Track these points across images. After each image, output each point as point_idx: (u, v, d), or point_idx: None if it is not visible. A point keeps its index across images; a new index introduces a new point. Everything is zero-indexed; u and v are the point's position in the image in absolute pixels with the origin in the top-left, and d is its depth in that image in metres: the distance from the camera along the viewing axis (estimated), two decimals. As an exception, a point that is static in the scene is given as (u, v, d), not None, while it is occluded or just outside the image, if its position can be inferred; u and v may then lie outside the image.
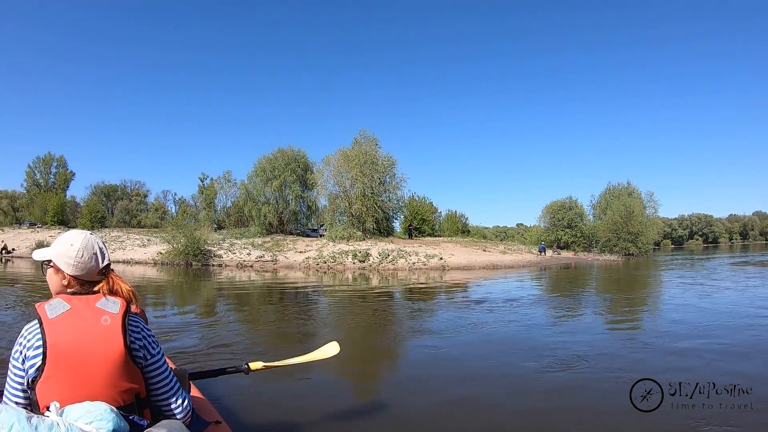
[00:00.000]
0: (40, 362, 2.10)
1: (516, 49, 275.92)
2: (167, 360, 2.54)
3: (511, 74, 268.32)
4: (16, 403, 2.17)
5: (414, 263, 34.52)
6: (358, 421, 4.70)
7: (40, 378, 2.11)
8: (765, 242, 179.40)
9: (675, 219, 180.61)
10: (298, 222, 54.36)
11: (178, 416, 2.42)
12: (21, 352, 2.16)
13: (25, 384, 2.16)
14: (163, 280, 24.91)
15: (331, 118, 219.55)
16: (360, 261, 34.97)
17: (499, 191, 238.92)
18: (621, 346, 8.21)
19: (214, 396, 4.73)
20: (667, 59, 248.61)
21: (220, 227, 60.81)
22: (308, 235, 50.61)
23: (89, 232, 2.48)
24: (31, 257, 2.63)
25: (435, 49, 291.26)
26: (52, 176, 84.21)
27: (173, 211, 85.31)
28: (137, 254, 41.28)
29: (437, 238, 54.87)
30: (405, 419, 4.77)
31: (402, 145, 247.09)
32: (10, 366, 2.21)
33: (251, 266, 34.42)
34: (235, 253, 38.12)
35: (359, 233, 44.11)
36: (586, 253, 58.92)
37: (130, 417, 2.20)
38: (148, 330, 2.43)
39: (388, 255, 35.99)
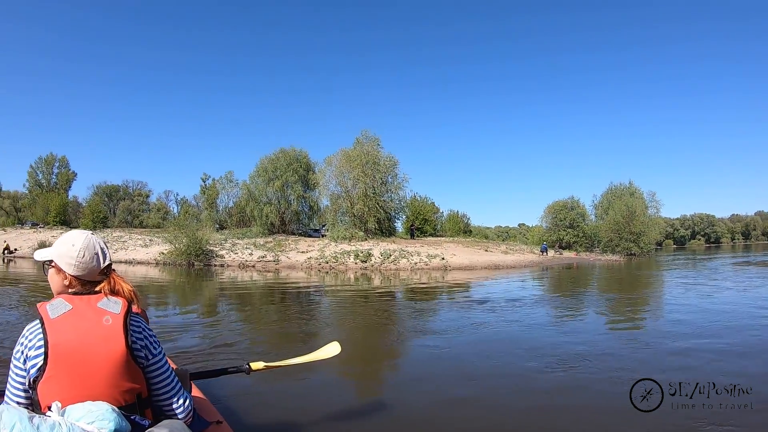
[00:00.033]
0: (41, 362, 2.10)
1: (516, 49, 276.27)
2: (168, 360, 2.54)
3: (511, 74, 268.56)
4: (18, 403, 2.17)
5: (416, 263, 34.51)
6: (359, 421, 4.70)
7: (41, 378, 2.11)
8: (767, 242, 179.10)
9: (677, 219, 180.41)
10: (300, 222, 54.37)
11: (179, 416, 2.42)
12: (22, 352, 2.16)
13: (27, 384, 2.16)
14: (165, 280, 24.93)
15: (333, 119, 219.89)
16: (362, 261, 34.96)
17: (501, 191, 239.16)
18: (622, 346, 8.21)
19: (215, 396, 4.72)
20: (667, 59, 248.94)
21: (222, 227, 60.80)
22: (310, 236, 50.59)
23: (90, 232, 2.48)
24: (33, 257, 2.64)
25: (435, 49, 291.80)
26: (55, 176, 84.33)
27: (175, 211, 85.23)
28: (139, 254, 41.31)
29: (439, 239, 54.79)
30: (406, 419, 4.77)
31: (403, 146, 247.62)
32: (11, 366, 2.21)
33: (253, 266, 34.43)
34: (237, 254, 38.11)
35: (361, 233, 44.12)
36: (588, 253, 58.88)
37: (132, 417, 2.20)
38: (150, 330, 2.43)
39: (390, 255, 35.99)
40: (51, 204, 71.91)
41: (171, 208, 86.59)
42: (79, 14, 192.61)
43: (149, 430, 2.18)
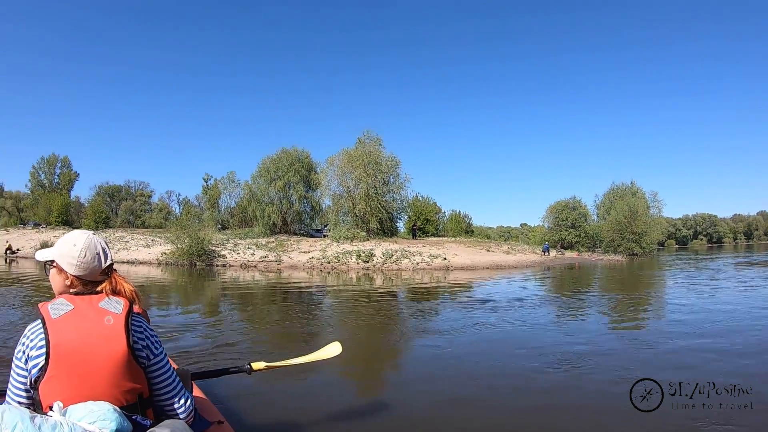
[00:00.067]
0: (43, 362, 2.10)
1: (516, 49, 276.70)
2: (169, 360, 2.55)
3: (512, 74, 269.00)
4: (19, 402, 2.17)
5: (418, 263, 34.51)
6: (360, 421, 4.70)
7: (43, 378, 2.11)
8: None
9: (679, 219, 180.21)
10: (302, 222, 54.41)
11: (180, 416, 2.42)
12: (24, 352, 2.16)
13: (28, 384, 2.17)
14: (168, 280, 24.94)
15: (333, 119, 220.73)
16: (364, 261, 34.97)
17: (503, 191, 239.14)
18: (622, 346, 8.21)
19: (216, 396, 4.73)
20: (668, 59, 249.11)
21: (224, 227, 60.92)
22: (312, 236, 50.60)
23: (92, 232, 2.49)
24: (35, 257, 2.65)
25: (435, 49, 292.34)
26: (57, 177, 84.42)
27: (177, 211, 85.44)
28: (141, 254, 41.33)
29: (441, 239, 54.79)
30: (407, 419, 4.78)
31: (405, 146, 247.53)
32: (13, 366, 2.21)
33: (255, 266, 34.44)
34: (239, 254, 38.10)
35: (363, 233, 44.12)
36: (590, 253, 58.96)
37: (133, 417, 2.20)
38: (151, 330, 2.43)
39: (392, 255, 36.00)
40: (53, 204, 72.03)
41: (173, 209, 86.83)
42: (79, 14, 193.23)
43: (151, 430, 2.18)
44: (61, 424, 1.98)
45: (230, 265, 35.04)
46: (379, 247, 38.44)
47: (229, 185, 64.82)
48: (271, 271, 30.77)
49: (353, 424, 4.62)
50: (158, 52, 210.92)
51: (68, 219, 71.85)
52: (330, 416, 4.76)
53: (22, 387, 2.18)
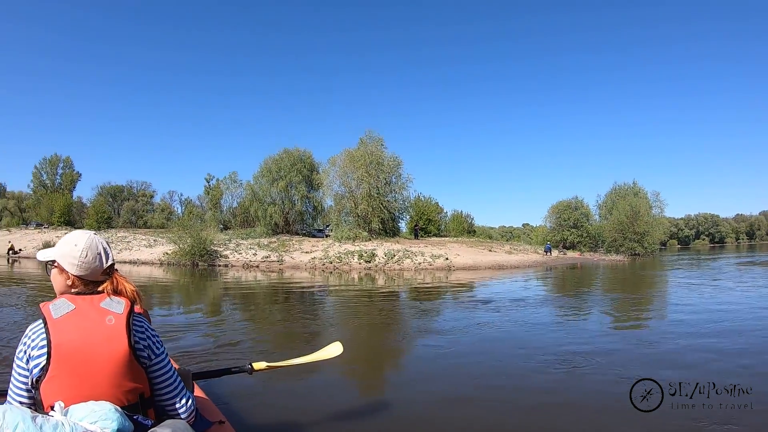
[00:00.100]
0: (44, 362, 2.10)
1: (517, 49, 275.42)
2: (171, 360, 2.55)
3: (513, 75, 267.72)
4: (21, 402, 2.17)
5: (420, 263, 34.47)
6: (361, 421, 4.71)
7: (44, 378, 2.11)
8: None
9: (681, 219, 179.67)
10: (304, 222, 54.36)
11: (182, 416, 2.43)
12: (25, 352, 2.16)
13: (30, 384, 2.17)
14: (170, 280, 24.96)
15: (335, 119, 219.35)
16: (366, 261, 34.94)
17: (505, 191, 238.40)
18: (623, 346, 8.20)
19: (217, 396, 4.74)
20: (670, 59, 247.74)
21: (226, 228, 61.03)
22: (314, 236, 50.56)
23: (93, 232, 2.49)
24: (36, 257, 2.65)
25: (435, 50, 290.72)
26: (59, 177, 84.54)
27: (179, 211, 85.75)
28: (143, 255, 41.33)
29: (443, 239, 54.79)
30: (409, 419, 4.78)
31: (406, 146, 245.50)
32: (14, 366, 2.21)
33: (257, 266, 34.40)
34: (241, 254, 38.06)
35: (365, 233, 44.09)
36: (592, 253, 58.85)
37: (135, 417, 2.20)
38: (153, 330, 2.43)
39: (394, 255, 35.96)
40: (55, 204, 72.07)
41: (175, 209, 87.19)
42: (79, 14, 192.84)
43: (152, 430, 2.18)
44: (63, 424, 1.98)
45: (232, 265, 35.03)
46: (381, 247, 38.41)
47: (231, 185, 64.93)
48: (273, 272, 30.78)
49: (354, 424, 4.63)
50: (159, 52, 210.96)
51: (70, 219, 71.87)
52: (331, 416, 4.77)
53: (23, 387, 2.18)
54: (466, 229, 72.36)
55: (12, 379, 2.21)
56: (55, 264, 2.39)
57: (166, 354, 2.45)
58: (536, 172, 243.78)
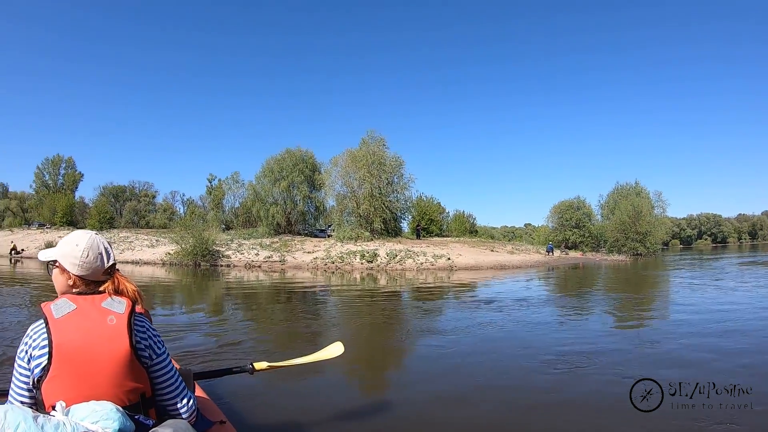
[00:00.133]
0: (45, 362, 2.11)
1: (517, 51, 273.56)
2: (172, 360, 2.55)
3: (514, 76, 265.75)
4: (22, 402, 2.17)
5: (422, 263, 34.47)
6: (362, 421, 4.71)
7: (45, 377, 2.12)
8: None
9: (683, 219, 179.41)
10: (306, 222, 54.26)
11: (183, 416, 2.43)
12: (27, 352, 2.17)
13: (31, 383, 2.17)
14: (172, 280, 24.98)
15: (337, 120, 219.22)
16: (368, 261, 34.95)
17: (507, 191, 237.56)
18: (624, 346, 8.19)
19: (218, 396, 4.75)
20: (671, 60, 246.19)
21: (228, 228, 60.97)
22: (316, 236, 50.48)
23: (94, 232, 2.49)
24: (38, 257, 2.65)
25: (435, 51, 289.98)
26: (61, 177, 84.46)
27: (181, 211, 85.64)
28: (146, 255, 41.37)
29: (445, 239, 54.77)
30: (410, 419, 4.78)
31: (408, 146, 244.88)
32: (15, 365, 2.21)
33: (259, 266, 34.44)
34: (243, 254, 38.11)
35: (367, 233, 44.03)
36: (594, 253, 58.79)
37: (136, 416, 2.21)
38: (154, 330, 2.44)
39: (396, 255, 35.97)
40: (58, 205, 72.02)
41: (177, 209, 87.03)
42: (80, 14, 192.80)
43: (153, 429, 2.19)
44: (64, 423, 1.98)
45: (234, 266, 35.06)
46: (383, 247, 38.40)
47: (233, 185, 64.94)
48: (275, 272, 30.80)
49: (355, 424, 4.63)
50: (160, 52, 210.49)
51: (73, 219, 71.80)
52: (332, 416, 4.77)
53: (24, 387, 2.18)
54: (468, 229, 72.32)
55: (13, 378, 2.21)
56: (57, 264, 2.39)
57: (168, 354, 2.46)
58: (538, 172, 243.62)
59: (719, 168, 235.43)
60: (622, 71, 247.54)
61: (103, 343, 2.17)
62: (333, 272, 31.14)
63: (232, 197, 66.32)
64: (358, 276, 27.75)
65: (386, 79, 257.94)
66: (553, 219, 69.53)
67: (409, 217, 56.62)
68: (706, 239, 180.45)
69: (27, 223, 77.02)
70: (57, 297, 2.33)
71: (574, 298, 15.96)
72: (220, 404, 3.65)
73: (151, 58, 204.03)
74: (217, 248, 38.09)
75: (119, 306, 2.30)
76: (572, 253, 54.77)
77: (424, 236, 55.11)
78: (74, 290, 2.36)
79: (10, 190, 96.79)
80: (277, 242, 42.68)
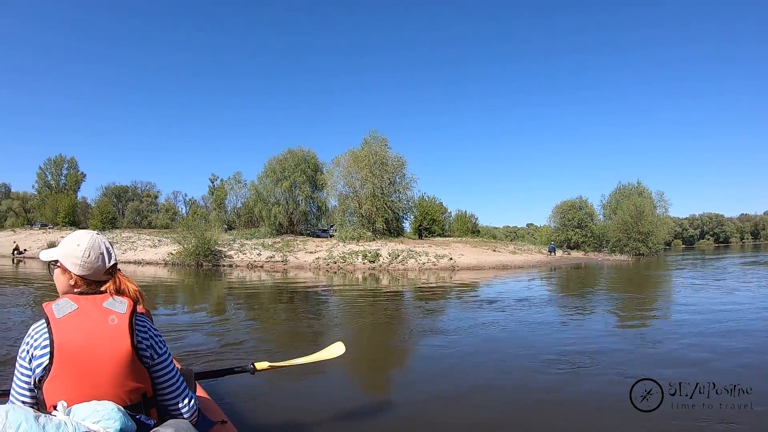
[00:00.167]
0: (47, 362, 2.11)
1: (518, 51, 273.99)
2: (173, 360, 2.56)
3: (516, 76, 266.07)
4: (23, 402, 2.17)
5: (424, 263, 34.49)
6: (363, 421, 4.71)
7: (47, 377, 2.12)
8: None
9: (686, 219, 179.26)
10: (308, 222, 54.30)
11: (184, 415, 2.43)
12: (28, 352, 2.17)
13: (32, 383, 2.17)
14: (174, 280, 25.01)
15: (339, 120, 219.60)
16: (370, 261, 34.97)
17: (509, 191, 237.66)
18: (626, 346, 8.19)
19: (219, 396, 4.76)
20: (673, 60, 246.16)
21: (230, 228, 61.01)
22: (318, 236, 50.55)
23: (96, 231, 2.50)
24: (39, 257, 2.66)
25: (435, 51, 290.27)
26: (63, 178, 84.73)
27: (184, 211, 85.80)
28: (148, 255, 41.42)
29: (447, 239, 54.74)
30: (411, 419, 4.78)
31: (410, 147, 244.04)
32: (17, 365, 2.21)
33: (261, 266, 34.48)
34: (245, 254, 38.14)
35: (369, 233, 44.06)
36: (596, 253, 58.68)
37: (137, 416, 2.21)
38: (155, 330, 2.44)
39: (398, 255, 35.97)
40: (60, 205, 72.15)
41: (180, 209, 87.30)
42: (81, 14, 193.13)
43: (155, 429, 2.18)
44: (65, 423, 1.98)
45: (237, 266, 35.10)
46: (386, 247, 38.40)
47: (236, 186, 65.00)
48: (277, 272, 30.82)
49: (356, 424, 4.63)
50: (162, 53, 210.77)
51: (75, 219, 71.94)
52: (333, 416, 4.78)
53: (25, 386, 2.18)
54: (470, 229, 72.25)
55: (14, 378, 2.21)
56: (58, 264, 2.39)
57: (169, 354, 2.46)
58: (540, 173, 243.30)
59: (722, 168, 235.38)
60: (622, 71, 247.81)
61: (104, 343, 2.17)
62: (335, 272, 31.15)
63: (235, 197, 66.48)
64: (360, 276, 27.76)
65: (386, 79, 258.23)
66: (556, 219, 69.40)
67: (411, 217, 56.65)
68: (708, 239, 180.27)
69: (29, 223, 77.22)
70: (58, 297, 2.33)
71: (576, 298, 15.95)
72: (221, 404, 3.67)
73: (152, 59, 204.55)
74: (220, 248, 38.15)
75: (121, 306, 2.30)
76: (574, 253, 54.69)
77: (426, 236, 55.04)
78: (76, 290, 2.36)
79: (12, 190, 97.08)
80: (280, 242, 42.73)
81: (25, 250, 48.06)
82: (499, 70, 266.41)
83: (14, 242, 50.19)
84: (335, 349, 4.55)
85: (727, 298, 14.61)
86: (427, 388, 5.82)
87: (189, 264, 35.64)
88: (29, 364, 2.17)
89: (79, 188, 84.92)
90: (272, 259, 36.53)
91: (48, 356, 2.11)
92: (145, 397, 2.31)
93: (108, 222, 69.13)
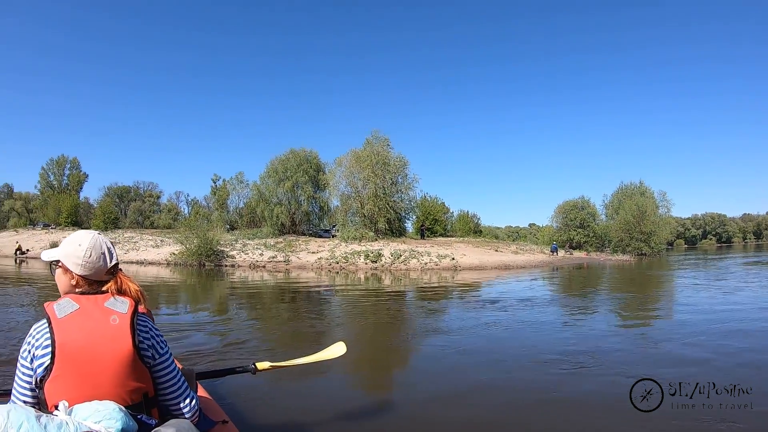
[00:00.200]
0: (48, 361, 2.11)
1: (519, 51, 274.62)
2: (174, 360, 2.56)
3: (517, 76, 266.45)
4: (25, 402, 2.18)
5: (426, 263, 34.47)
6: (365, 421, 4.72)
7: (48, 377, 2.12)
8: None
9: (688, 218, 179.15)
10: (310, 222, 54.32)
11: (186, 415, 2.43)
12: (29, 351, 2.17)
13: (34, 383, 2.17)
14: (177, 280, 25.03)
15: (338, 120, 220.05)
16: (372, 261, 34.97)
17: (512, 191, 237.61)
18: (627, 346, 8.18)
19: (220, 396, 4.76)
20: (676, 60, 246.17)
21: (232, 228, 61.04)
22: (320, 236, 50.56)
23: (97, 231, 2.50)
24: (40, 257, 2.66)
25: (435, 52, 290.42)
26: (66, 178, 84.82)
27: (186, 212, 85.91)
28: (150, 255, 41.46)
29: (449, 239, 54.74)
30: (412, 419, 4.78)
31: (412, 147, 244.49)
32: (18, 365, 2.22)
33: (264, 267, 34.50)
34: (247, 254, 38.17)
35: (371, 234, 44.06)
36: (598, 253, 58.67)
37: (139, 416, 2.21)
38: (157, 330, 2.44)
39: (401, 255, 35.97)
40: (62, 205, 72.27)
41: (182, 209, 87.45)
42: (81, 14, 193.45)
43: (156, 429, 2.18)
44: (67, 423, 1.98)
45: (239, 266, 35.12)
46: (388, 248, 38.42)
47: (238, 186, 65.04)
48: (279, 272, 30.83)
49: (357, 424, 4.63)
50: (163, 53, 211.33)
51: (77, 220, 72.07)
52: (334, 416, 4.78)
53: (27, 386, 2.19)
54: (472, 229, 72.34)
55: (16, 378, 2.21)
56: (60, 264, 2.40)
57: (170, 354, 2.46)
58: (542, 173, 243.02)
59: (724, 168, 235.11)
60: (622, 71, 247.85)
61: (105, 343, 2.17)
62: (337, 272, 31.16)
63: (237, 197, 66.56)
64: (362, 276, 27.77)
65: (386, 79, 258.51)
66: (558, 219, 69.38)
67: (414, 217, 56.72)
68: (710, 239, 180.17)
69: (32, 223, 77.37)
70: (60, 297, 2.33)
71: (578, 298, 15.95)
72: (222, 404, 3.66)
73: (151, 58, 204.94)
74: (222, 248, 38.16)
75: (122, 306, 2.30)
76: (576, 253, 54.70)
77: (428, 236, 55.01)
78: (77, 290, 2.36)
79: (15, 190, 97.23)
80: (282, 242, 42.77)
81: (27, 250, 48.11)
82: (499, 70, 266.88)
83: (17, 242, 50.21)
84: (336, 349, 4.55)
85: (728, 298, 14.58)
86: (428, 387, 5.82)
87: (191, 264, 35.65)
88: (31, 364, 2.17)
89: (81, 188, 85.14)
90: (274, 260, 36.54)
91: (49, 356, 2.12)
92: (146, 396, 2.31)
93: (110, 222, 69.25)
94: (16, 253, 46.60)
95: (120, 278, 2.45)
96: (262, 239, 45.17)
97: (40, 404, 2.18)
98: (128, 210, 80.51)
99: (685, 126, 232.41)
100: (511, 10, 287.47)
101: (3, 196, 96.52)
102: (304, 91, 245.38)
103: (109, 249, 2.45)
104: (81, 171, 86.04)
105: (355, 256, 36.15)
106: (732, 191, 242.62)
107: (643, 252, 59.22)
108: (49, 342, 2.13)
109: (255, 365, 3.85)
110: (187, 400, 2.46)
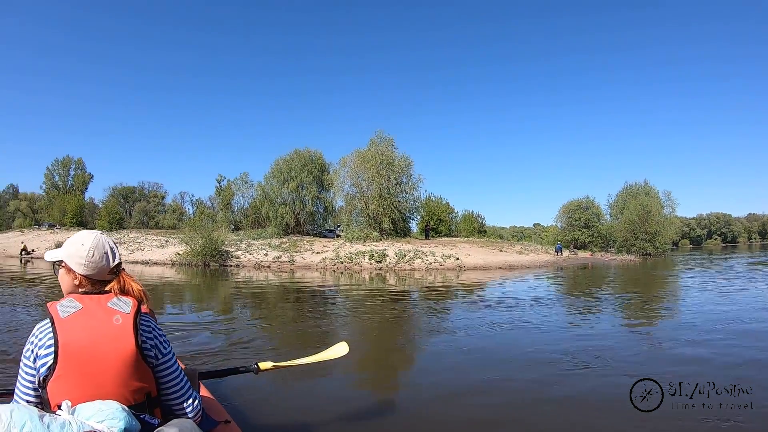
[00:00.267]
0: (51, 361, 2.12)
1: (517, 51, 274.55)
2: (177, 360, 2.56)
3: (520, 76, 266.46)
4: (28, 401, 2.18)
5: (430, 263, 34.44)
6: (367, 421, 4.71)
7: (51, 377, 2.12)
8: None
9: (693, 218, 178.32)
10: (314, 223, 54.22)
11: (188, 415, 2.44)
12: (32, 351, 2.18)
13: (37, 383, 2.18)
14: (181, 280, 25.06)
15: (338, 120, 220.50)
16: (377, 261, 34.94)
17: (516, 191, 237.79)
18: (629, 346, 8.15)
19: (223, 395, 4.76)
20: (679, 60, 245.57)
21: (237, 228, 61.16)
22: (325, 236, 50.47)
23: (100, 231, 2.51)
24: (43, 258, 2.67)
25: (435, 52, 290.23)
26: (71, 178, 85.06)
27: (191, 212, 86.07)
28: (155, 255, 41.50)
29: (454, 239, 54.64)
30: (414, 418, 4.78)
31: (416, 147, 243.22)
32: (21, 365, 2.23)
33: (268, 267, 34.49)
34: (252, 254, 38.16)
35: (376, 234, 44.04)
36: (603, 253, 58.53)
37: (142, 416, 2.22)
38: (160, 330, 2.45)
39: (405, 255, 35.96)
40: (67, 205, 72.36)
41: (186, 209, 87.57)
42: (81, 14, 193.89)
43: (159, 429, 2.19)
44: (70, 422, 1.99)
45: (244, 266, 35.13)
46: (392, 248, 38.39)
47: (242, 186, 65.16)
48: (284, 272, 30.85)
49: (360, 424, 4.63)
50: (166, 53, 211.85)
51: (82, 220, 72.13)
52: (337, 416, 4.77)
53: (30, 386, 2.19)
54: (476, 229, 72.18)
55: (19, 378, 2.22)
56: (63, 264, 2.41)
57: (173, 354, 2.47)
58: (547, 172, 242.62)
59: (729, 167, 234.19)
60: (622, 71, 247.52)
61: (108, 343, 2.18)
62: (342, 272, 31.15)
63: (241, 198, 66.70)
64: (366, 276, 27.77)
65: (386, 80, 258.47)
66: (562, 219, 69.34)
67: (418, 217, 56.67)
68: (715, 239, 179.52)
69: (37, 223, 77.55)
70: (63, 297, 2.34)
71: (582, 299, 15.91)
72: (225, 404, 3.66)
73: (151, 58, 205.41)
74: (227, 248, 38.20)
75: (125, 306, 2.30)
76: (581, 253, 54.54)
77: (432, 236, 55.01)
78: (80, 290, 2.38)
79: (20, 191, 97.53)
80: (286, 242, 42.76)
81: (32, 250, 48.20)
82: (499, 70, 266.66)
83: (22, 243, 50.35)
84: (339, 349, 4.55)
85: (732, 298, 14.54)
86: (431, 387, 5.81)
87: (196, 264, 35.68)
88: (34, 363, 2.18)
89: (86, 189, 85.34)
90: (279, 260, 36.53)
91: (52, 356, 2.12)
92: (149, 396, 2.32)
93: (115, 222, 69.35)
94: (21, 254, 46.71)
95: (123, 278, 2.47)
96: (266, 239, 45.19)
97: (43, 404, 2.19)
98: (133, 210, 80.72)
99: (688, 126, 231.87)
100: (511, 10, 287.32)
101: (8, 196, 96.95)
102: (304, 91, 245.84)
103: (111, 249, 2.47)
104: (86, 171, 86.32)
105: (360, 256, 36.13)
106: (737, 191, 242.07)
107: (648, 252, 59.13)
108: (52, 342, 2.14)
109: (257, 365, 3.86)
110: (190, 400, 2.47)
